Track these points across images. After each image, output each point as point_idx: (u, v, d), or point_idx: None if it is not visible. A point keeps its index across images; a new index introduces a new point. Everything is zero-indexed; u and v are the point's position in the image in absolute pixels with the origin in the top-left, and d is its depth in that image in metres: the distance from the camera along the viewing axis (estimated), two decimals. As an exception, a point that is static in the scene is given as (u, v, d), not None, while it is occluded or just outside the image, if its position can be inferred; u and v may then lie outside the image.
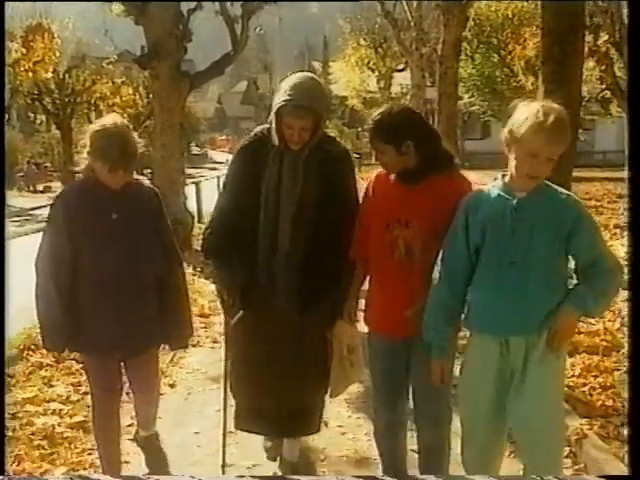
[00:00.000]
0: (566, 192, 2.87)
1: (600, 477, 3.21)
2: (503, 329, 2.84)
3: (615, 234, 11.66)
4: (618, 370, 4.90)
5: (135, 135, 3.36)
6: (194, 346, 5.88)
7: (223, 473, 3.53)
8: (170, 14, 11.60)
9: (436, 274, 2.97)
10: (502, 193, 2.86)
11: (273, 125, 3.36)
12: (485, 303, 2.87)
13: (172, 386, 5.18)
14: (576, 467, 3.69)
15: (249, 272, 3.43)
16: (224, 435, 3.64)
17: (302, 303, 3.40)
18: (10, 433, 4.08)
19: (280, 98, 3.30)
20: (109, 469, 3.49)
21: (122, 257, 3.33)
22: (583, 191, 20.57)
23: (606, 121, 29.40)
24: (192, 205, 13.13)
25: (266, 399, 3.52)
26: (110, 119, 3.35)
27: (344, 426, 4.35)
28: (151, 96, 31.83)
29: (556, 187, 2.86)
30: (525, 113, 2.76)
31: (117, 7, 12.49)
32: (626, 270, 2.94)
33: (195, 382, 5.23)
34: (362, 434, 4.24)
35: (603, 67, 20.74)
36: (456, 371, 3.16)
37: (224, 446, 3.64)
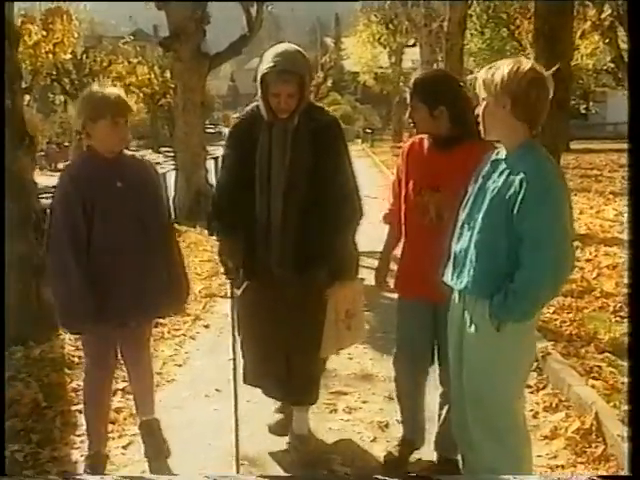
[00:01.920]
0: (539, 159, 2.67)
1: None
2: (455, 283, 2.85)
3: (609, 199, 12.36)
4: (587, 308, 5.71)
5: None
6: (222, 297, 6.69)
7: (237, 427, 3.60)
8: (190, -2, 12.34)
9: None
10: (496, 156, 2.81)
11: (260, 95, 3.42)
12: (451, 257, 2.89)
13: (207, 327, 6.03)
14: (540, 377, 4.51)
15: (249, 243, 3.52)
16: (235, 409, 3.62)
17: (298, 270, 3.46)
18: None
19: (264, 66, 3.36)
20: (95, 445, 3.56)
21: (129, 225, 3.42)
22: (588, 161, 21.23)
23: (618, 93, 29.75)
24: (212, 179, 13.93)
25: (270, 362, 3.64)
26: (94, 86, 3.55)
27: (351, 353, 4.96)
28: (169, 75, 32.42)
29: (536, 150, 2.70)
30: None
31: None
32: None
33: (226, 324, 6.03)
34: (367, 359, 5.04)
35: (607, 40, 21.22)
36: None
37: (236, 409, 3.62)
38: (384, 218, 3.56)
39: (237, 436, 3.55)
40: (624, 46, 21.01)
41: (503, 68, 2.66)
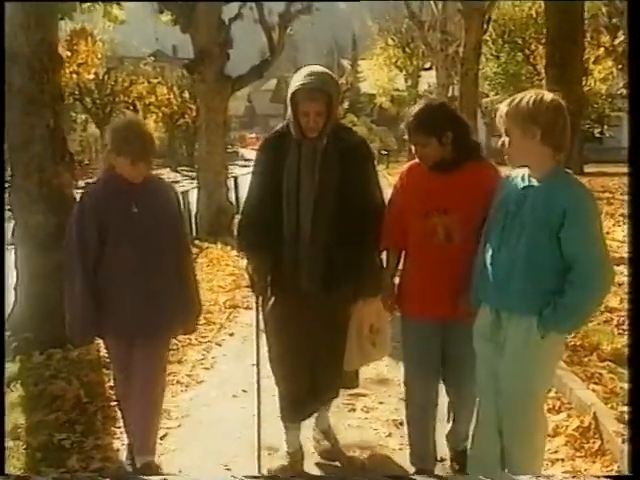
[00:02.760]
0: (576, 185, 2.89)
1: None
2: (493, 301, 3.01)
3: (618, 221, 12.61)
4: (592, 322, 5.96)
5: (152, 130, 3.80)
6: (245, 308, 7.05)
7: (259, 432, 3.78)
8: (214, 23, 12.81)
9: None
10: (520, 178, 2.98)
11: (289, 114, 3.50)
12: (482, 275, 3.04)
13: (231, 335, 6.40)
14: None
15: (277, 259, 3.56)
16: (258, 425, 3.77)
17: (326, 286, 3.52)
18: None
19: (294, 85, 3.45)
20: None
21: (143, 248, 3.49)
22: (600, 184, 21.42)
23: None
24: (231, 197, 14.35)
25: (296, 381, 3.67)
26: (128, 117, 3.85)
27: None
28: (187, 96, 32.76)
29: (570, 177, 2.92)
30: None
31: (165, 16, 13.74)
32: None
33: (249, 333, 6.36)
34: (383, 365, 5.24)
35: (620, 66, 21.59)
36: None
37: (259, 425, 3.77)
38: (382, 245, 3.55)
39: (259, 434, 3.76)
40: (637, 72, 21.35)
41: (527, 100, 2.85)
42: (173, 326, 3.73)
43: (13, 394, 4.76)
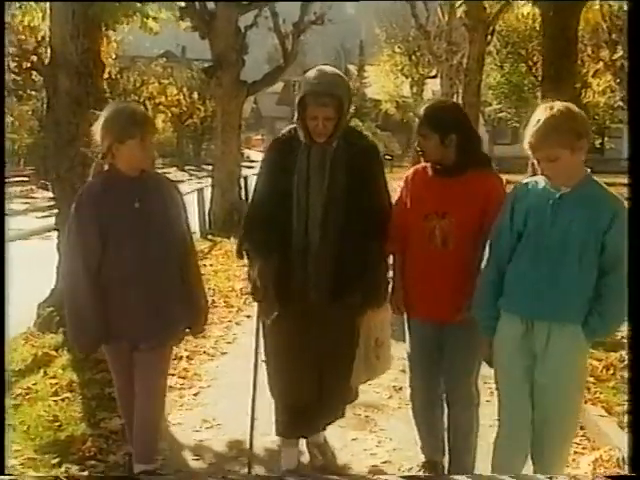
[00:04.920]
0: (611, 192, 2.90)
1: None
2: (529, 312, 2.97)
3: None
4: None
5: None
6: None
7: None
8: (231, 30, 13.55)
9: (486, 257, 3.11)
10: (547, 186, 2.94)
11: (297, 118, 3.38)
12: (517, 286, 2.99)
13: (249, 317, 6.98)
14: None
15: (283, 265, 3.42)
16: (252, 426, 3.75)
17: (332, 295, 3.42)
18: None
19: (303, 89, 3.33)
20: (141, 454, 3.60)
21: (146, 245, 3.35)
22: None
23: (635, 129, 30.64)
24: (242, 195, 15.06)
25: (302, 394, 3.57)
26: (113, 105, 3.43)
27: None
28: (196, 96, 33.17)
29: (601, 184, 2.93)
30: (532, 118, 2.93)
31: (185, 23, 14.44)
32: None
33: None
34: None
35: (618, 80, 22.31)
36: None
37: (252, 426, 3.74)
38: (388, 248, 3.54)
39: (252, 437, 3.71)
40: (635, 86, 22.12)
41: (564, 117, 2.81)
42: (179, 329, 3.60)
43: (62, 358, 5.51)
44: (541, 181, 2.98)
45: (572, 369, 2.98)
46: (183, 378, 5.24)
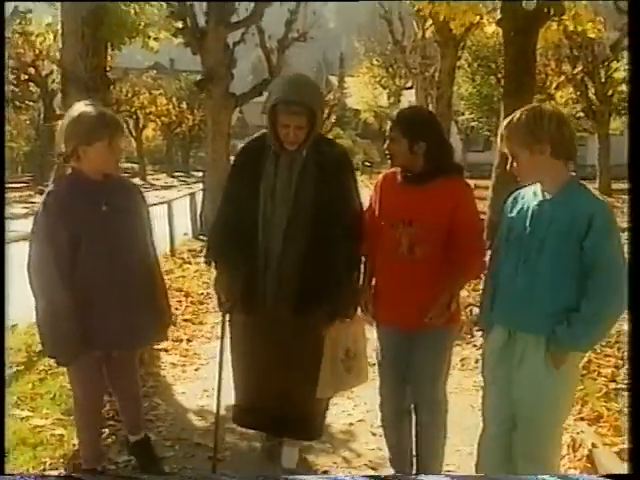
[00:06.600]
0: (594, 195, 2.81)
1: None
2: (507, 322, 2.91)
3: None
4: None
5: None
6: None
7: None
8: (221, 47, 14.83)
9: (487, 266, 3.13)
10: (532, 193, 2.88)
11: (268, 125, 3.28)
12: (500, 295, 2.94)
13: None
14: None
15: (248, 276, 3.36)
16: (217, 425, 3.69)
17: (297, 306, 3.34)
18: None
19: (274, 96, 3.23)
20: (89, 462, 3.54)
21: (116, 249, 3.28)
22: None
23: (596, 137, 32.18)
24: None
25: (264, 399, 3.51)
26: (76, 107, 3.25)
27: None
28: (185, 106, 34.12)
29: (587, 187, 2.83)
30: None
31: (178, 40, 15.74)
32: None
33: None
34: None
35: (578, 93, 24.05)
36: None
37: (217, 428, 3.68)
38: (361, 249, 3.50)
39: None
40: (593, 97, 24.01)
41: (526, 117, 2.78)
42: (149, 334, 3.56)
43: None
44: (531, 190, 2.93)
45: (547, 383, 2.83)
46: (184, 357, 6.04)
